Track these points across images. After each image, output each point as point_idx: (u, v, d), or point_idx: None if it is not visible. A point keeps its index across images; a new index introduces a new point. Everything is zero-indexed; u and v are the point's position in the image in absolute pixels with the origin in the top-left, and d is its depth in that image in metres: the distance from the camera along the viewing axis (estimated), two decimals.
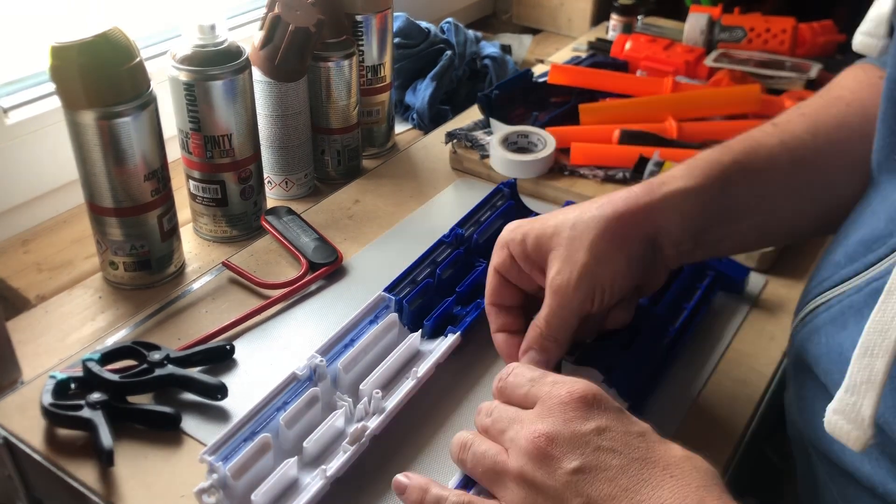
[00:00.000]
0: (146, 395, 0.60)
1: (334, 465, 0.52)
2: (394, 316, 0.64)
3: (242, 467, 0.51)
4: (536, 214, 0.77)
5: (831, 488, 0.51)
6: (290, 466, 0.52)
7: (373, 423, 0.55)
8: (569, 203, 0.75)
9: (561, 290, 0.53)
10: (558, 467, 0.43)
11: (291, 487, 0.52)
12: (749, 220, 0.57)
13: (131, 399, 0.59)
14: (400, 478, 0.49)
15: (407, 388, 0.59)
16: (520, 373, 0.50)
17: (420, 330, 0.63)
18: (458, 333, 0.63)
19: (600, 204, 0.55)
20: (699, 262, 0.68)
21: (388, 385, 0.60)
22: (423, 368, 0.60)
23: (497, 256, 0.58)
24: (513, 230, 0.57)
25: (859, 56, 0.61)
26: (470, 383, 0.63)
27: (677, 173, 0.56)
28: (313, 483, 0.52)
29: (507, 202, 0.78)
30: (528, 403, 0.47)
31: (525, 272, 0.57)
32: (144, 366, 0.60)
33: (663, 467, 0.42)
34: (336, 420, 0.55)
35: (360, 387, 0.58)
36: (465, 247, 0.71)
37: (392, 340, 0.63)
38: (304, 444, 0.53)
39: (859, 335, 0.42)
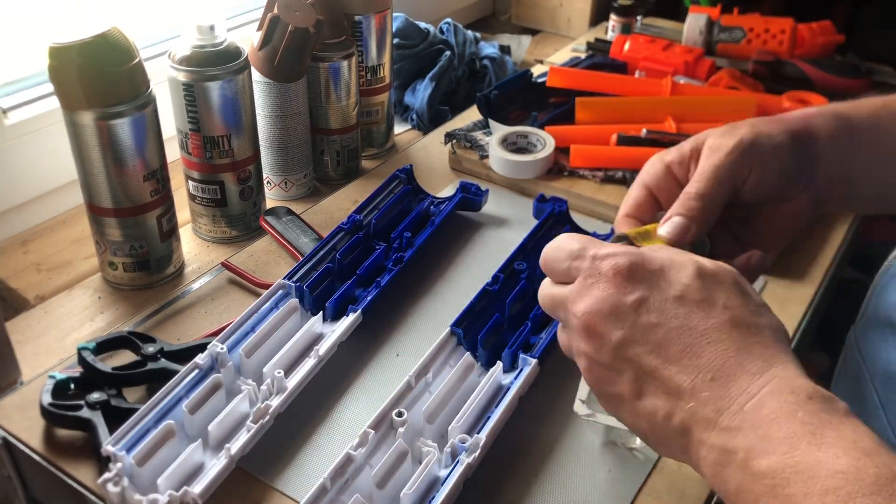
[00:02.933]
0: (140, 389, 0.61)
1: (238, 443, 0.53)
2: (294, 301, 0.65)
3: (146, 455, 0.52)
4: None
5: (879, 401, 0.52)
6: (194, 450, 0.52)
7: (276, 402, 0.56)
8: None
9: (718, 148, 0.55)
10: (605, 342, 0.45)
11: (197, 470, 0.53)
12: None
13: (127, 395, 0.59)
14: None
15: (309, 366, 0.59)
16: (559, 246, 0.49)
17: (321, 313, 0.65)
18: (359, 311, 0.64)
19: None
20: None
21: (291, 366, 0.61)
22: (324, 347, 0.61)
23: (649, 167, 0.59)
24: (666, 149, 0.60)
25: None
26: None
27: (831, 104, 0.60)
28: (218, 463, 0.52)
29: (403, 187, 0.80)
30: (568, 279, 0.48)
31: (676, 179, 0.58)
32: (138, 359, 0.61)
33: (700, 333, 0.44)
34: (240, 404, 0.56)
35: (264, 370, 0.59)
36: (364, 232, 0.73)
37: (294, 325, 0.64)
38: (209, 427, 0.54)
39: None
